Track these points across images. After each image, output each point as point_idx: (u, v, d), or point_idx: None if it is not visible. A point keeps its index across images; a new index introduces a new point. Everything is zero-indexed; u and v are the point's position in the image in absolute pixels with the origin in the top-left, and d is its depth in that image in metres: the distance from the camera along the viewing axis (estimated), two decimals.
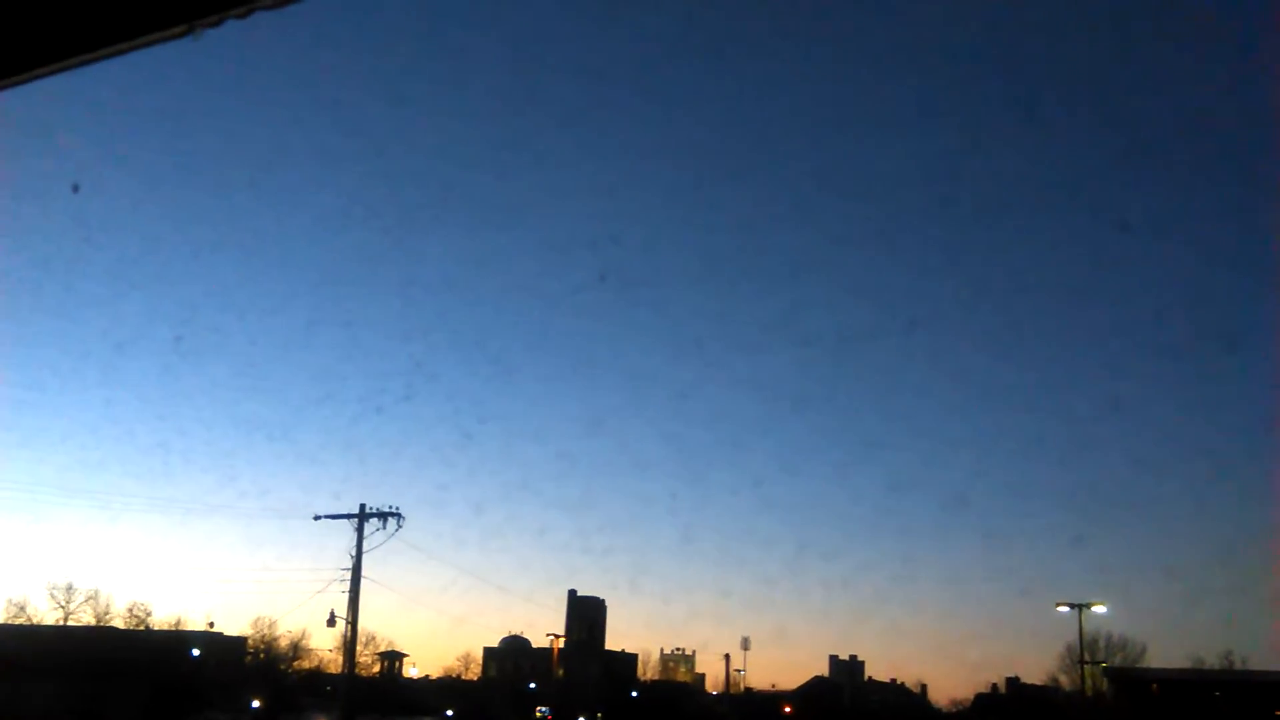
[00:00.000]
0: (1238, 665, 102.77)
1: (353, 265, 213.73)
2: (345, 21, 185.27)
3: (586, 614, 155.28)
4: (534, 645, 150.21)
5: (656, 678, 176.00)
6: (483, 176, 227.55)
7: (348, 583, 53.17)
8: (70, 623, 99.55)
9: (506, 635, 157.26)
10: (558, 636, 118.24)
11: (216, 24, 3.02)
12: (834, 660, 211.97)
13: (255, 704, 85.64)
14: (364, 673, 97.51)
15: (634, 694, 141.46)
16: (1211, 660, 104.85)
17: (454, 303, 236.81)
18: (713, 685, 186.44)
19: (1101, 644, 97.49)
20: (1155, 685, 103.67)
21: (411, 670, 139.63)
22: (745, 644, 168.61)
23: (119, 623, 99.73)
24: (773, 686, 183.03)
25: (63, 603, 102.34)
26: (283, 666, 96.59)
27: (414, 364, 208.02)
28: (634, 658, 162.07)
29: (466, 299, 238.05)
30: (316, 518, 55.29)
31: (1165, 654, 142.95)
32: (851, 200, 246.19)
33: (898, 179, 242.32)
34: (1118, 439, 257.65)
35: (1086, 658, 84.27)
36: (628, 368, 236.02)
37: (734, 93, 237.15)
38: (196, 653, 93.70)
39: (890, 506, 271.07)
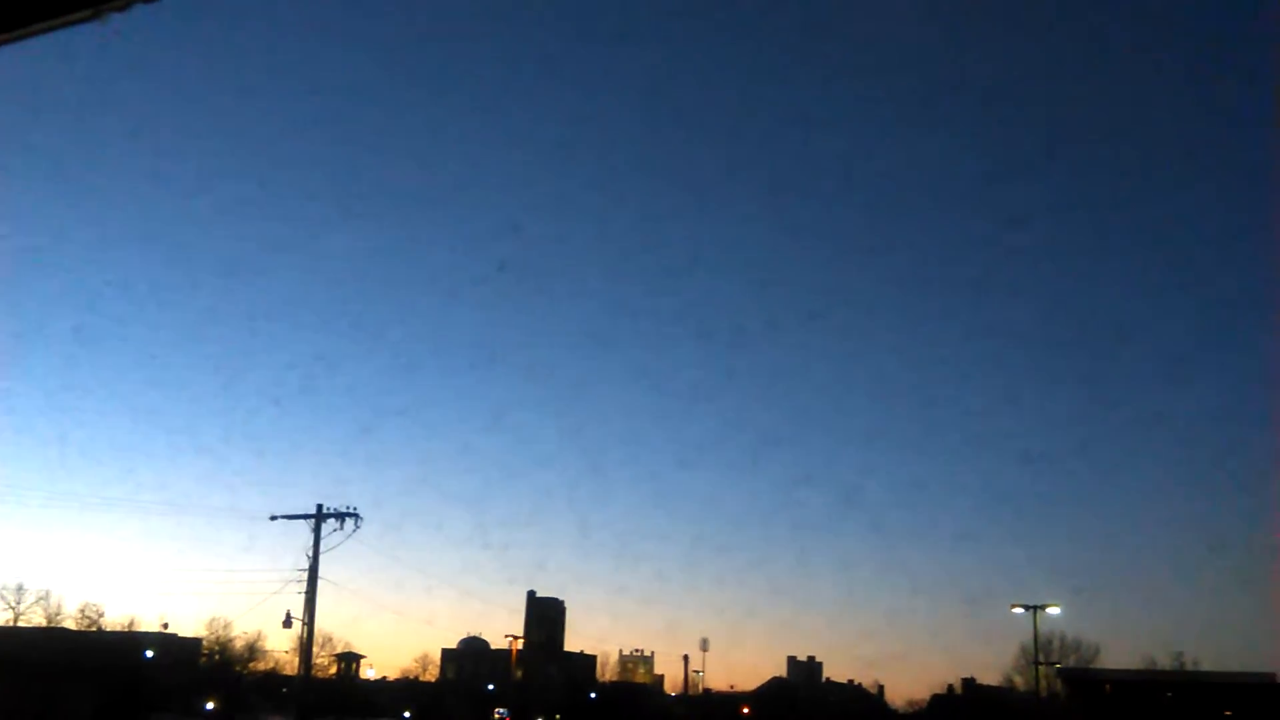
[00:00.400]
0: (1189, 666, 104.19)
1: (255, 255, 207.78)
2: (249, 11, 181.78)
3: (546, 615, 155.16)
4: (493, 647, 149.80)
5: (615, 679, 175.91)
6: (387, 165, 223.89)
7: (304, 583, 52.72)
8: (20, 624, 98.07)
9: (465, 637, 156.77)
10: (516, 638, 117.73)
11: (123, 8, 2.97)
12: (792, 661, 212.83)
13: (209, 706, 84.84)
14: (320, 674, 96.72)
15: (592, 695, 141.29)
16: (1163, 661, 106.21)
17: (356, 293, 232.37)
18: (672, 686, 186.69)
19: (1056, 645, 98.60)
20: (1108, 686, 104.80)
21: (369, 672, 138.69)
22: (704, 645, 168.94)
23: (70, 624, 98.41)
24: (731, 687, 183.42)
25: (13, 604, 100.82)
26: (238, 668, 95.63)
27: (314, 355, 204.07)
28: (593, 659, 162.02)
29: (369, 290, 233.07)
30: (273, 518, 54.84)
31: (1118, 655, 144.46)
32: (753, 193, 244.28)
33: (798, 173, 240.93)
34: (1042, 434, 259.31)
35: (1041, 659, 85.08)
36: (526, 360, 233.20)
37: (637, 85, 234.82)
38: (150, 654, 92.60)
39: (791, 500, 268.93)
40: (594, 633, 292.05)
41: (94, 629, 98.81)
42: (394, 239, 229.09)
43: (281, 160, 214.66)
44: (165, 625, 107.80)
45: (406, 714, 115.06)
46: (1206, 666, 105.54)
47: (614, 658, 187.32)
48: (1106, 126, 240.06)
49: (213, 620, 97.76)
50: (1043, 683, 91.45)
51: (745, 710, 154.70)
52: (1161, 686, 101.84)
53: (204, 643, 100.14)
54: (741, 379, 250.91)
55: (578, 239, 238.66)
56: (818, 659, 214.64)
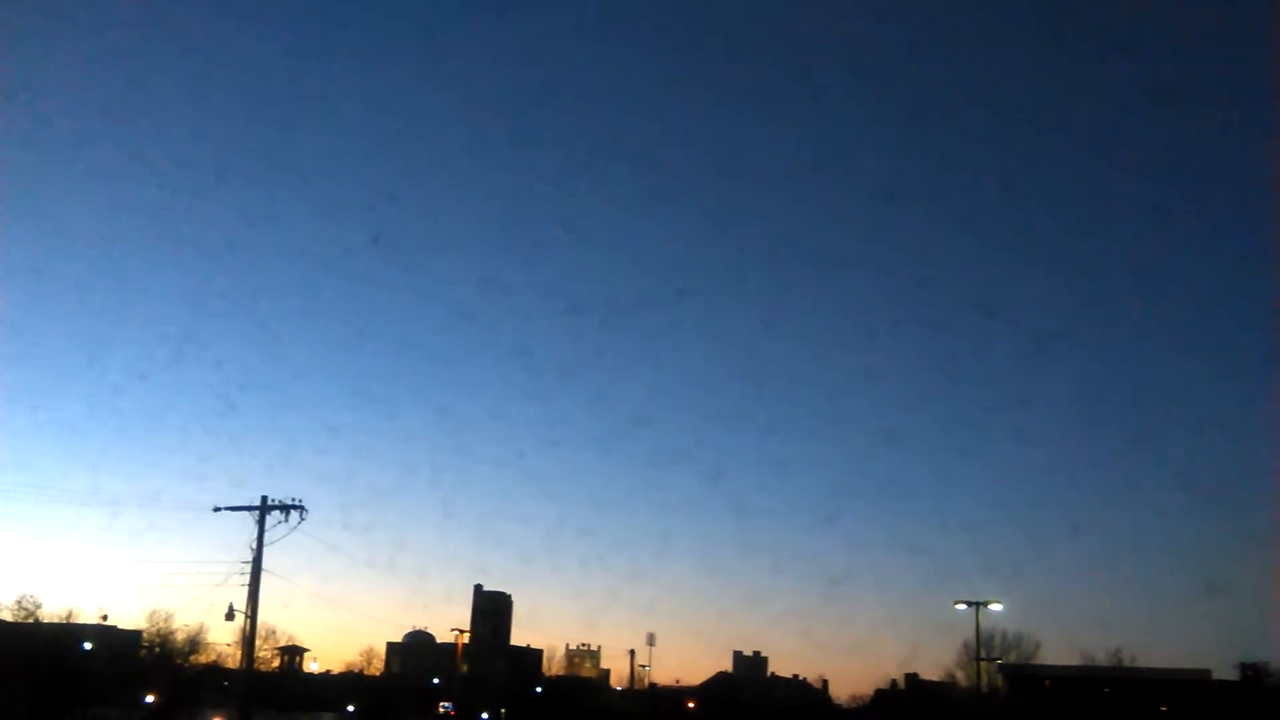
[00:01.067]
0: (1126, 662, 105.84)
1: (129, 225, 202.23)
2: None
3: (492, 609, 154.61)
4: (438, 640, 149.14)
5: (562, 673, 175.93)
6: (259, 134, 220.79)
7: (248, 575, 52.18)
8: None
9: (410, 630, 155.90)
10: (463, 631, 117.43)
11: None
12: (738, 656, 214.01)
13: (149, 699, 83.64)
14: (263, 667, 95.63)
15: (538, 689, 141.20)
16: (1101, 658, 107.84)
17: (228, 265, 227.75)
18: (618, 680, 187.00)
19: (997, 641, 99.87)
20: (1048, 681, 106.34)
21: (312, 665, 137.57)
22: (651, 640, 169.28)
23: (6, 615, 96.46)
24: (677, 682, 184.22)
25: None
26: (179, 661, 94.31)
27: (182, 329, 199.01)
28: (539, 653, 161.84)
29: (239, 261, 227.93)
30: (216, 509, 54.01)
31: (1057, 652, 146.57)
32: (624, 166, 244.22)
33: (671, 145, 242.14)
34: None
35: (982, 654, 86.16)
36: (396, 335, 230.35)
37: (509, 56, 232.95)
38: (88, 646, 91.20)
39: (654, 480, 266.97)
40: (541, 626, 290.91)
41: (31, 620, 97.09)
42: (265, 209, 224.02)
43: (156, 127, 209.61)
44: (105, 617, 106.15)
45: (351, 708, 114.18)
46: (1144, 663, 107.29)
47: (561, 652, 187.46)
48: (977, 98, 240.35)
49: (153, 613, 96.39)
50: (984, 678, 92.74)
51: (691, 705, 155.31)
52: (1099, 683, 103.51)
53: (144, 635, 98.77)
54: (612, 356, 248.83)
55: (452, 211, 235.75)
56: (763, 654, 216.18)
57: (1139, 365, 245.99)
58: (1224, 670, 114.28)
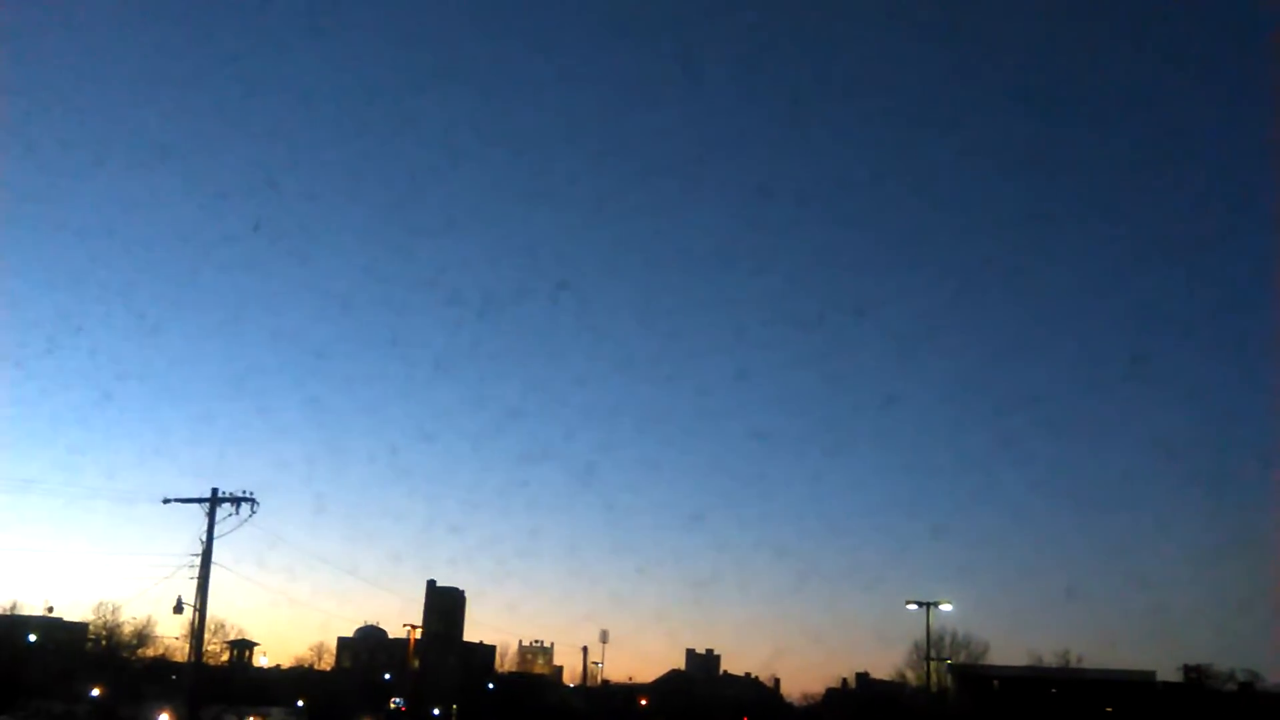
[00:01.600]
0: (1074, 664, 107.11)
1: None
2: None
3: (445, 605, 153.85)
4: (390, 636, 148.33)
5: (515, 669, 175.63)
6: (141, 116, 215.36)
7: (197, 568, 51.60)
8: None
9: (362, 625, 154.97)
10: (415, 627, 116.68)
11: None
12: (691, 654, 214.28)
13: (95, 692, 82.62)
14: (212, 661, 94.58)
15: (490, 686, 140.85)
16: (1049, 659, 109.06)
17: (103, 249, 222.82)
18: (570, 678, 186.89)
19: (947, 641, 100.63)
20: (996, 682, 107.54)
21: (262, 659, 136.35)
22: (604, 637, 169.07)
23: None
24: (630, 679, 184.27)
25: None
26: (126, 654, 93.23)
27: (58, 314, 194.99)
28: (492, 649, 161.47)
29: (114, 246, 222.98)
30: (166, 501, 53.38)
31: (1006, 653, 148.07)
32: (506, 155, 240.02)
33: (552, 137, 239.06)
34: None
35: (933, 654, 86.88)
36: (273, 325, 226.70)
37: (392, 44, 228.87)
38: (33, 638, 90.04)
39: (523, 477, 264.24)
40: (494, 623, 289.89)
41: None
42: (143, 192, 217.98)
43: (32, 107, 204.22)
44: (50, 609, 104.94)
45: (300, 702, 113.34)
46: (1090, 664, 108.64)
47: (513, 648, 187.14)
48: (851, 96, 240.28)
49: (100, 605, 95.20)
50: (934, 678, 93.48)
51: (643, 702, 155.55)
52: (1047, 683, 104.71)
53: (91, 628, 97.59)
54: (488, 349, 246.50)
55: (333, 199, 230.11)
56: (716, 652, 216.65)
57: (1006, 367, 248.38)
58: (1168, 672, 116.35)
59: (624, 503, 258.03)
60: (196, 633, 53.74)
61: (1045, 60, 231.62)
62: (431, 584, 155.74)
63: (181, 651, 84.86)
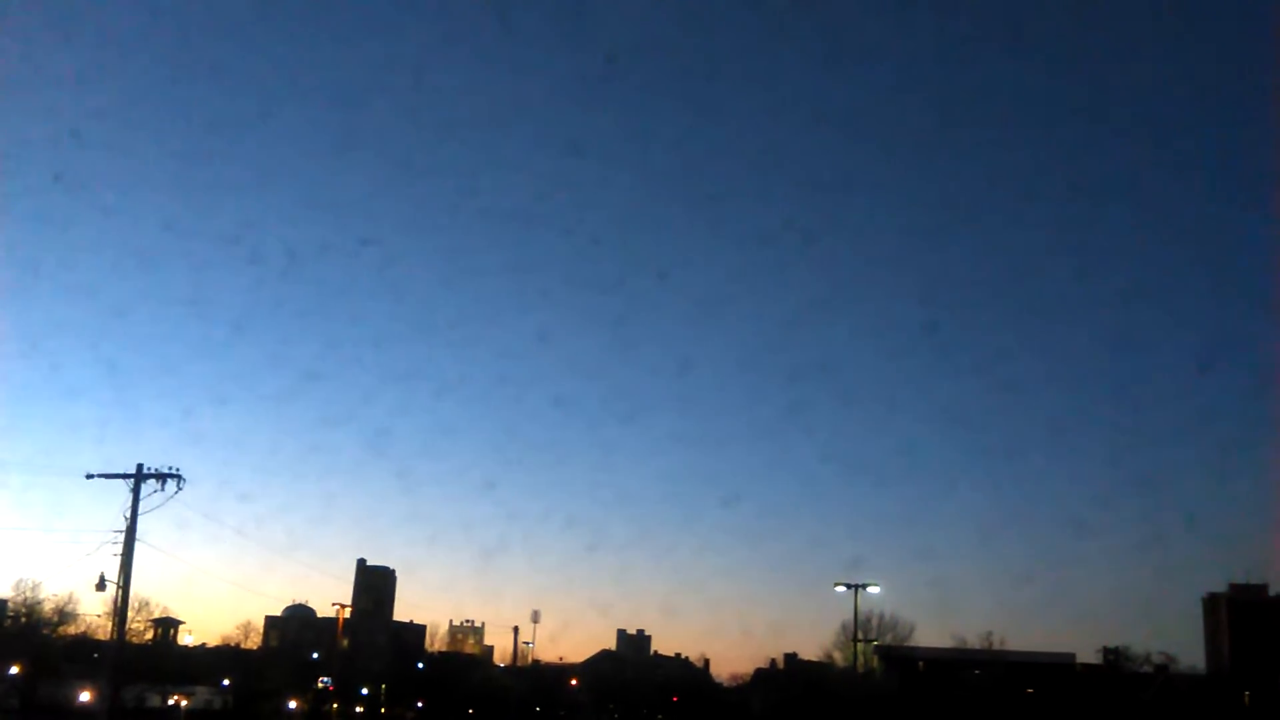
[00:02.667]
0: (997, 645, 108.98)
1: None
2: None
3: (375, 584, 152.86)
4: (319, 615, 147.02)
5: (445, 649, 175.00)
6: None
7: (120, 545, 50.67)
8: None
9: (290, 604, 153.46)
10: (344, 606, 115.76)
11: None
12: (622, 635, 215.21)
13: (14, 670, 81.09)
14: (135, 640, 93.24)
15: (420, 665, 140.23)
16: (973, 640, 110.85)
17: None
18: (501, 657, 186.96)
19: (874, 623, 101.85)
20: (921, 663, 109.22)
21: (187, 638, 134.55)
22: (535, 617, 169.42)
23: None
24: (561, 659, 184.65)
25: None
26: (46, 631, 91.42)
27: None
28: (422, 629, 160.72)
29: None
30: (89, 476, 52.27)
31: (931, 634, 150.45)
32: (313, 110, 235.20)
33: (359, 91, 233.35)
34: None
35: (860, 636, 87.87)
36: (69, 281, 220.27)
37: None
38: None
39: (318, 443, 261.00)
40: (425, 602, 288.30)
41: None
42: None
43: None
44: None
45: (226, 681, 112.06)
46: (1013, 646, 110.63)
47: (444, 628, 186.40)
48: (663, 54, 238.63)
49: (19, 582, 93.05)
50: (861, 659, 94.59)
51: (574, 682, 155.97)
52: (970, 665, 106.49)
53: (9, 604, 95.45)
54: (289, 308, 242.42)
55: (138, 151, 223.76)
56: (647, 633, 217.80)
57: (800, 333, 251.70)
58: (1088, 654, 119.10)
59: (418, 470, 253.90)
60: (119, 611, 52.82)
61: (850, 22, 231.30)
62: (361, 563, 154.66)
63: (104, 630, 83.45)
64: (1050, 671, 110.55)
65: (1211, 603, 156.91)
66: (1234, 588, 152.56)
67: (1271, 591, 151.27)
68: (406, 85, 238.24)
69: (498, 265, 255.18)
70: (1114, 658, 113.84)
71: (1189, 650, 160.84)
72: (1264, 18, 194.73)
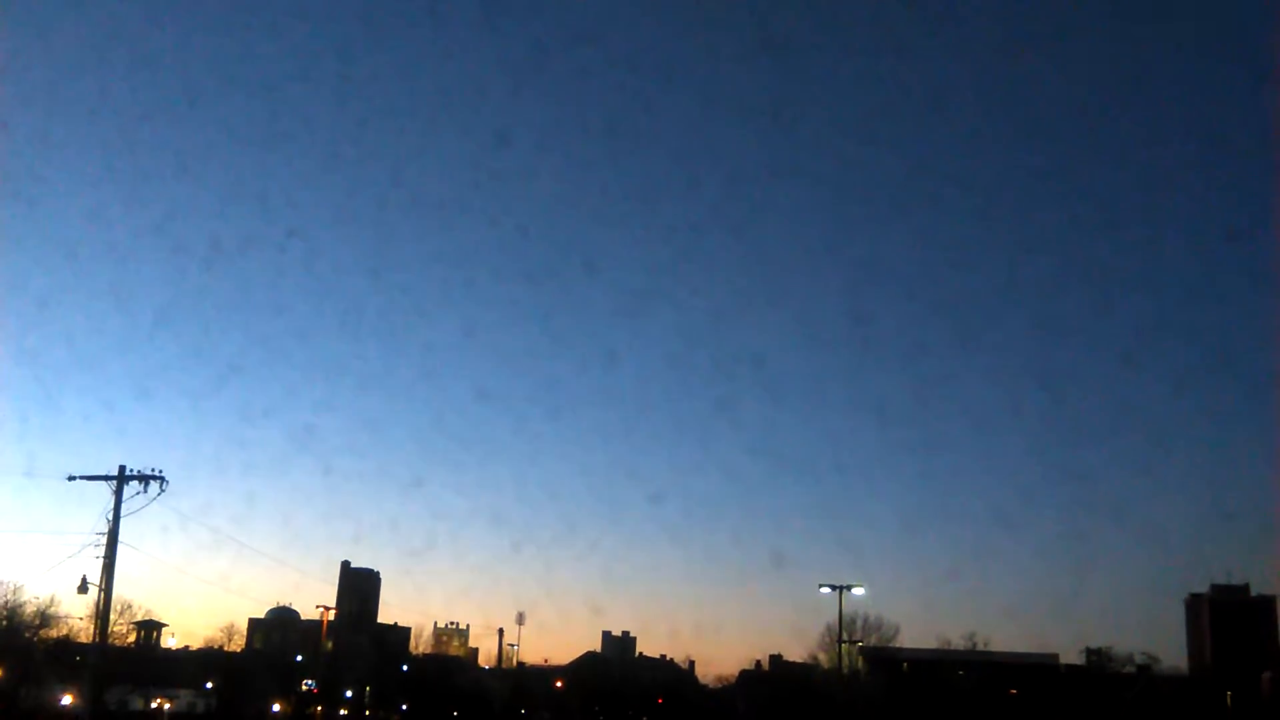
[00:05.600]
0: (980, 646, 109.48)
1: None
2: None
3: (359, 586, 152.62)
4: (303, 617, 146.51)
5: (430, 651, 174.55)
6: None
7: (103, 547, 50.35)
8: None
9: (274, 607, 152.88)
10: (328, 609, 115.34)
11: None
12: (607, 636, 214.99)
13: None
14: (118, 642, 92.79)
15: (404, 667, 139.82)
16: (957, 642, 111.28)
17: None
18: (486, 659, 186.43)
19: (859, 624, 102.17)
20: (906, 664, 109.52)
21: (170, 640, 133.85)
22: (520, 619, 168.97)
23: None
24: (546, 661, 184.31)
25: None
26: (28, 635, 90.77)
27: None
28: (407, 631, 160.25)
29: None
30: (71, 478, 51.90)
31: (916, 635, 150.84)
32: (240, 97, 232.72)
33: (287, 79, 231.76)
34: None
35: (845, 637, 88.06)
36: None
37: None
38: None
39: (241, 438, 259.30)
40: (409, 605, 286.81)
41: None
42: None
43: None
44: None
45: (209, 684, 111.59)
46: (996, 647, 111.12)
47: (429, 630, 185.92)
48: (587, 43, 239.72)
49: (0, 585, 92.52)
50: (846, 660, 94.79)
51: (558, 684, 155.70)
52: (954, 665, 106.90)
53: None
54: (213, 301, 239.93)
55: (60, 138, 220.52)
56: (632, 634, 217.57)
57: (727, 326, 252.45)
58: (1071, 655, 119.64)
59: (342, 465, 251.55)
60: (102, 613, 52.45)
61: (777, 13, 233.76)
62: (346, 565, 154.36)
63: (86, 633, 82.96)
64: (1034, 672, 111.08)
65: (1193, 604, 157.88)
66: (1215, 589, 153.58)
67: (1253, 593, 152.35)
68: (332, 75, 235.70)
69: (424, 257, 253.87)
70: (1097, 658, 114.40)
71: (1171, 651, 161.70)
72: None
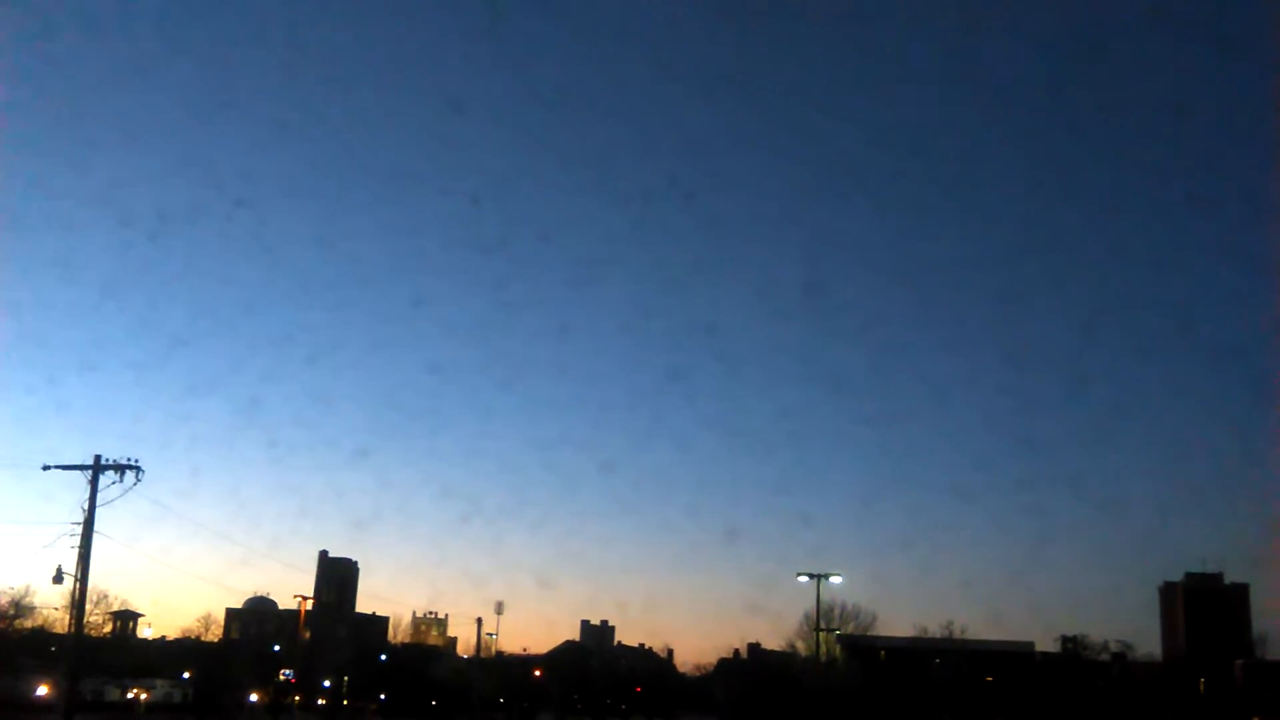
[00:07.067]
0: (957, 634, 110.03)
1: None
2: None
3: (337, 576, 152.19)
4: (281, 607, 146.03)
5: (408, 640, 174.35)
6: None
7: (78, 537, 50.03)
8: None
9: (251, 596, 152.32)
10: (306, 598, 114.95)
11: None
12: (585, 625, 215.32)
13: None
14: (94, 633, 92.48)
15: (383, 657, 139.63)
16: (934, 629, 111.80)
17: None
18: (465, 649, 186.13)
19: (837, 613, 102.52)
20: (883, 652, 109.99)
21: (146, 631, 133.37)
22: (499, 608, 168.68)
23: None
24: (524, 650, 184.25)
25: None
26: (2, 625, 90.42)
27: None
28: (385, 620, 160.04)
29: None
30: (46, 468, 51.59)
31: (893, 624, 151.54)
32: (188, 64, 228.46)
33: (236, 47, 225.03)
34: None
35: (822, 625, 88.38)
36: None
37: None
38: None
39: (186, 411, 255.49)
40: (388, 594, 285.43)
41: None
42: None
43: None
44: None
45: (186, 674, 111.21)
46: (973, 635, 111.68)
47: (407, 619, 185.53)
48: (543, 9, 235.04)
49: None
50: (823, 648, 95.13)
51: (538, 673, 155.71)
52: (931, 654, 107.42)
53: None
54: (159, 272, 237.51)
55: (4, 104, 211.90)
56: (611, 623, 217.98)
57: (681, 295, 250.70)
58: (1047, 643, 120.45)
59: (289, 438, 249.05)
60: (77, 603, 52.20)
61: None
62: (324, 554, 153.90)
63: (62, 623, 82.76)
64: (1010, 660, 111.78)
65: (1168, 591, 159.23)
66: (1189, 577, 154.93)
67: (1226, 581, 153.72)
68: (282, 41, 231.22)
69: (374, 227, 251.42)
70: (1072, 646, 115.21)
71: (1148, 638, 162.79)
72: None
